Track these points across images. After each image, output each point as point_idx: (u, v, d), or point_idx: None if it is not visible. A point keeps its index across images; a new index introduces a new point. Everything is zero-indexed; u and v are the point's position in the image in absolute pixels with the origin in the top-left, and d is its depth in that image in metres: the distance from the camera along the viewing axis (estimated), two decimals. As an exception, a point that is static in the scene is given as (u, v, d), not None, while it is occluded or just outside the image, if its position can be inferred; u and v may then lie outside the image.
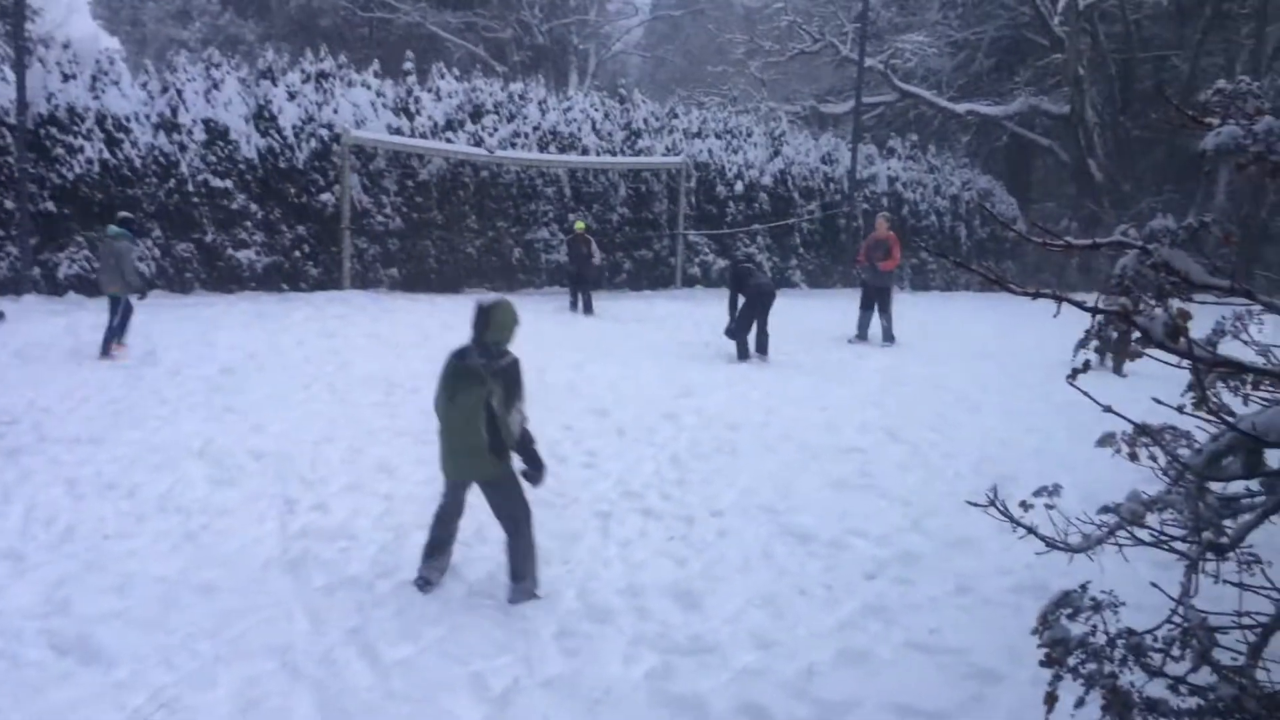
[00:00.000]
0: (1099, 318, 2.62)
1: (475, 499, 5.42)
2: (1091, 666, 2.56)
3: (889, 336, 14.58)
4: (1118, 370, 11.61)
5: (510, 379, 5.12)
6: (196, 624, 4.80)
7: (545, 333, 14.18)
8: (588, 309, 16.68)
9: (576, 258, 16.97)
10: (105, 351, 10.90)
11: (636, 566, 5.77)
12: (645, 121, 21.79)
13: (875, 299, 14.61)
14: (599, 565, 5.78)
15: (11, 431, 7.93)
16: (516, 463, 5.32)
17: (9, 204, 14.74)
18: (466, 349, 5.25)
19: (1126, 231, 2.89)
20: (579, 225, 17.28)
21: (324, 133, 17.32)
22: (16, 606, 4.89)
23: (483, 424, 5.07)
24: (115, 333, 11.06)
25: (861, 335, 14.76)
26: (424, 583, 5.36)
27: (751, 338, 12.69)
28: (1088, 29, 29.89)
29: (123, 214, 11.80)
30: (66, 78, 15.48)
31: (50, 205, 15.03)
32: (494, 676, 4.45)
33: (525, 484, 5.38)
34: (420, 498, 6.79)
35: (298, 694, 4.25)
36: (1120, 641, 2.59)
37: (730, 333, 12.65)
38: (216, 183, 16.38)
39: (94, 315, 13.01)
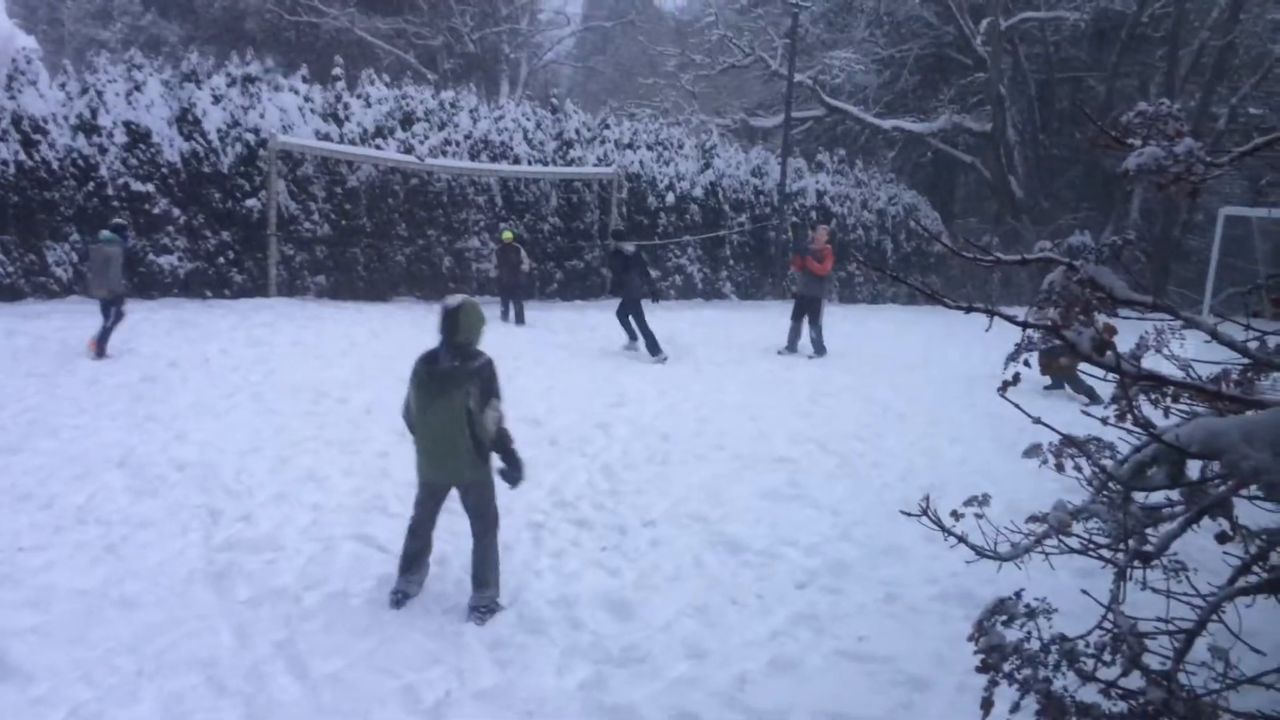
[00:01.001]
0: (1029, 331, 2.69)
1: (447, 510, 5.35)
2: (1027, 672, 2.63)
3: (819, 348, 14.76)
4: (1059, 386, 11.65)
5: (485, 379, 5.12)
6: (118, 638, 4.68)
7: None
8: (519, 319, 16.52)
9: (506, 267, 16.83)
10: (101, 351, 11.21)
11: (569, 577, 5.76)
12: (577, 132, 21.81)
13: (806, 310, 14.78)
14: (531, 576, 5.76)
15: (-80, 441, 7.65)
16: (494, 463, 5.30)
17: (-83, 205, 14.22)
18: (436, 353, 5.18)
19: (1049, 247, 2.97)
20: (506, 235, 17.14)
21: (250, 137, 17.02)
22: (-74, 622, 4.72)
23: (465, 427, 5.05)
24: (107, 332, 11.37)
25: (791, 347, 14.91)
26: (401, 596, 5.30)
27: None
28: (1009, 49, 30.72)
29: (115, 220, 12.36)
30: (-20, 77, 15.00)
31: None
32: (426, 689, 4.41)
33: (501, 484, 5.37)
34: (349, 508, 6.71)
35: (224, 710, 4.16)
36: (1054, 647, 2.66)
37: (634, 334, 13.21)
38: (138, 186, 15.99)
39: (9, 321, 12.64)
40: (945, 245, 2.91)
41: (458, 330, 5.13)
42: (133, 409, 9.06)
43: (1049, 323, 2.59)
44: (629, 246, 14.09)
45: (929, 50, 33.32)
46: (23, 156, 14.98)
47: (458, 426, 5.04)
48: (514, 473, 5.34)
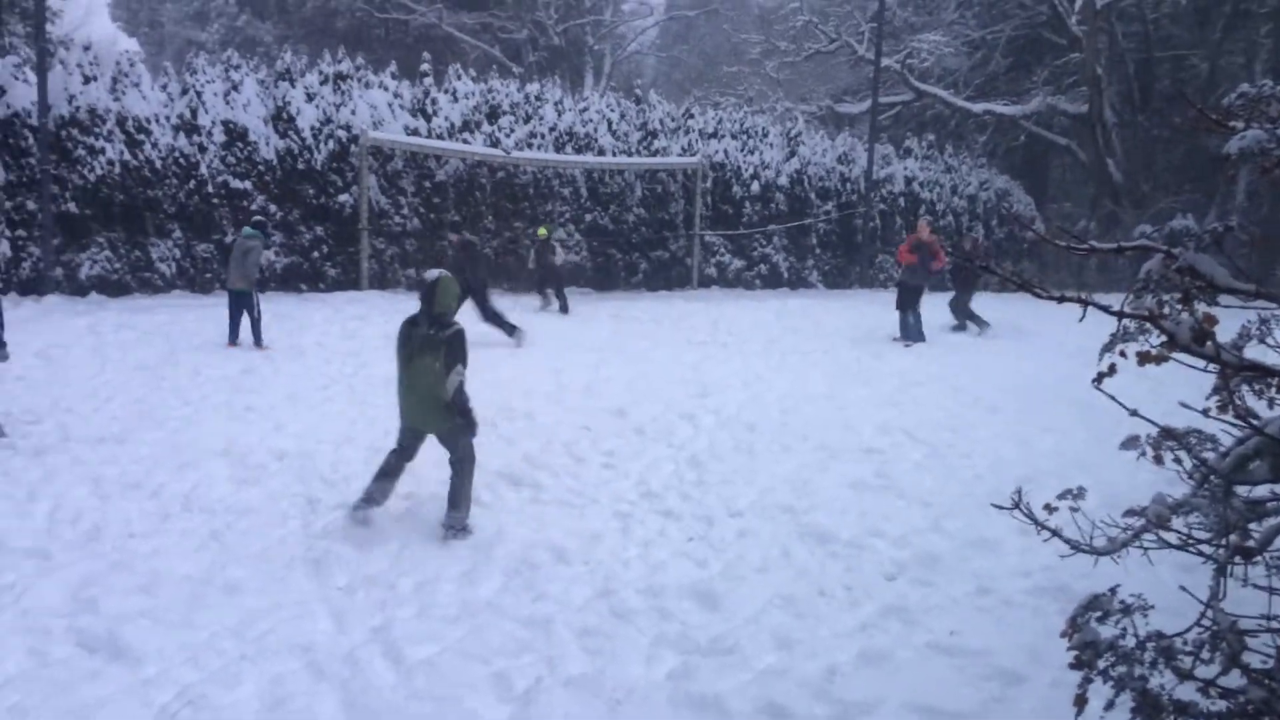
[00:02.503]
0: (1125, 321, 2.63)
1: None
2: (1121, 669, 2.57)
3: (919, 335, 14.60)
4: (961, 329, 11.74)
5: (454, 345, 5.90)
6: (222, 622, 4.85)
7: (561, 333, 14.23)
8: (564, 308, 16.68)
9: (543, 263, 16.97)
10: (258, 342, 12.12)
11: (657, 567, 5.79)
12: (661, 122, 21.81)
13: (910, 299, 14.57)
14: (619, 565, 5.80)
15: (36, 431, 8.01)
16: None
17: (31, 205, 14.87)
18: (417, 318, 6.03)
19: (1148, 233, 2.89)
20: (542, 232, 17.06)
21: (342, 134, 17.42)
22: (45, 605, 4.95)
23: (439, 384, 5.89)
24: (255, 325, 12.11)
25: (906, 335, 14.70)
26: (369, 499, 6.18)
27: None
28: (1105, 28, 29.73)
29: (256, 217, 13.35)
30: (87, 80, 15.60)
31: (72, 206, 15.16)
32: (516, 675, 4.48)
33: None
34: (439, 497, 6.82)
35: (322, 694, 4.28)
36: (1150, 644, 2.60)
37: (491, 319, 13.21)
38: (236, 184, 16.50)
39: (116, 315, 13.13)
40: (1036, 233, 2.85)
41: (435, 301, 5.93)
42: (233, 400, 9.36)
43: (1145, 312, 2.53)
44: (474, 239, 14.23)
45: (1021, 31, 32.46)
46: (127, 156, 15.56)
47: (432, 384, 5.90)
48: (467, 429, 6.11)
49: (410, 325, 6.03)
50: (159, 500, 6.58)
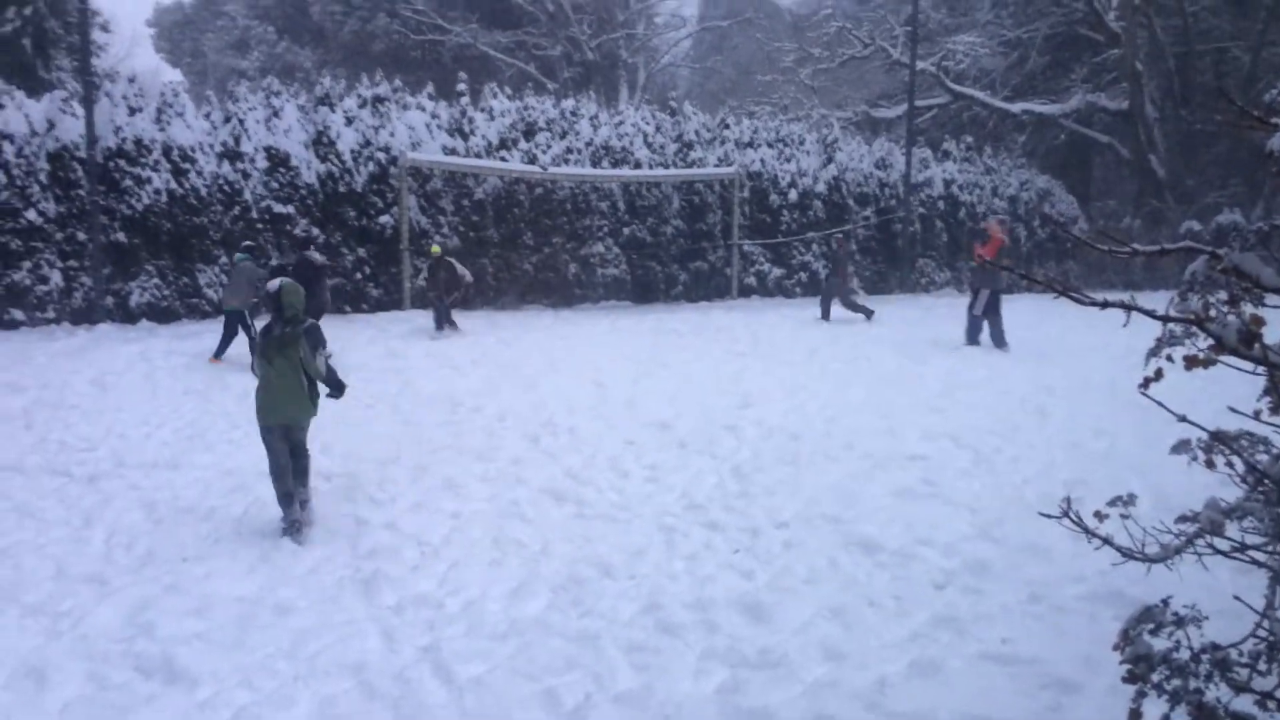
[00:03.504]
0: (1170, 325, 2.59)
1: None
2: (1176, 682, 2.52)
3: (970, 337, 14.46)
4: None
5: (312, 334, 6.61)
6: (275, 643, 4.91)
7: (603, 346, 14.27)
8: (439, 323, 15.25)
9: (437, 283, 15.35)
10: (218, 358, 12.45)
11: (703, 580, 5.78)
12: (697, 133, 21.83)
13: (992, 302, 14.37)
14: (665, 579, 5.79)
15: (91, 458, 8.16)
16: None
17: (81, 235, 15.18)
18: (271, 325, 6.65)
19: (1194, 230, 2.85)
20: (435, 249, 15.66)
21: (381, 156, 17.61)
22: (102, 629, 5.04)
23: (301, 375, 6.54)
24: (251, 342, 12.23)
25: (1000, 343, 14.52)
26: (295, 526, 6.47)
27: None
28: (1144, 23, 29.36)
29: (247, 242, 13.51)
30: (133, 111, 15.90)
31: (121, 236, 15.45)
32: (565, 692, 4.49)
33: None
34: (485, 514, 6.88)
35: (375, 713, 4.32)
36: (1205, 656, 2.55)
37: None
38: (279, 208, 16.73)
39: (166, 342, 13.36)
40: (1073, 235, 2.81)
41: (284, 306, 6.56)
42: (281, 422, 9.46)
43: (1191, 315, 2.49)
44: (318, 256, 13.72)
45: (1058, 29, 32.15)
46: (173, 185, 15.83)
47: (296, 376, 6.53)
48: (338, 391, 6.89)
49: (267, 333, 6.64)
50: (211, 524, 6.68)
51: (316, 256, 13.93)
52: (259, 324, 12.39)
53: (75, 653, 4.79)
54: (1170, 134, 30.87)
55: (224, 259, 16.15)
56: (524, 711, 4.34)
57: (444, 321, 15.39)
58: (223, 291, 13.24)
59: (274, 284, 6.67)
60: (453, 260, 15.60)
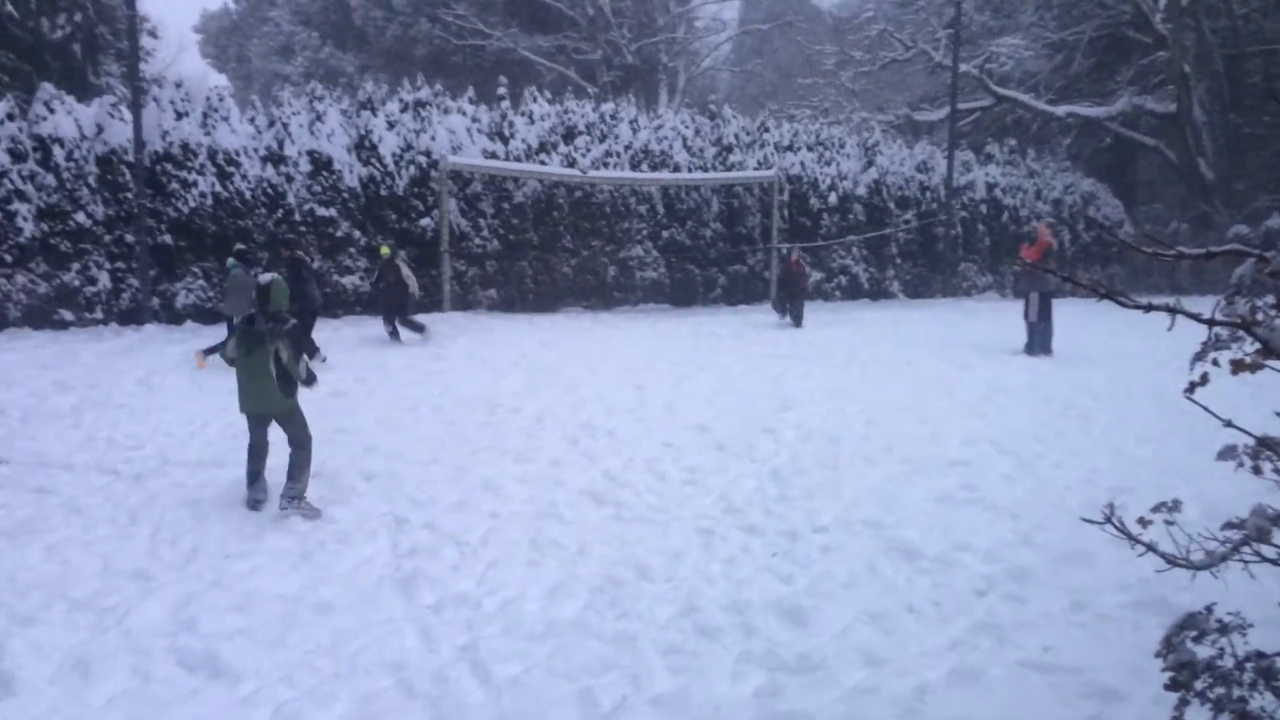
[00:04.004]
0: (1217, 328, 2.55)
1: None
2: (1219, 690, 2.48)
3: (1029, 345, 14.30)
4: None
5: (294, 335, 6.89)
6: (315, 641, 4.96)
7: (641, 349, 14.28)
8: (404, 329, 14.59)
9: (386, 284, 14.61)
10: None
11: (741, 583, 5.76)
12: (736, 136, 21.80)
13: (1044, 306, 14.17)
14: (703, 582, 5.78)
15: (138, 456, 8.29)
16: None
17: (129, 238, 15.45)
18: (254, 317, 6.90)
19: (1243, 234, 2.80)
20: (384, 250, 14.80)
21: (422, 160, 17.76)
22: (146, 625, 5.11)
23: (272, 371, 6.79)
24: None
25: (1045, 349, 14.31)
26: (256, 503, 6.96)
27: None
28: (1192, 24, 28.91)
29: (239, 247, 13.49)
30: (179, 116, 16.16)
31: (167, 238, 15.70)
32: (602, 694, 4.49)
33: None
34: (524, 515, 6.91)
35: (413, 711, 4.35)
36: (1249, 664, 2.51)
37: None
38: (322, 211, 16.92)
39: (210, 342, 13.53)
40: (1117, 239, 2.78)
41: (270, 301, 6.83)
42: (323, 422, 9.53)
43: (1238, 319, 2.44)
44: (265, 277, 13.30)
45: (1104, 31, 31.74)
46: (218, 188, 16.08)
47: (267, 371, 6.79)
48: (310, 384, 7.16)
49: (248, 324, 6.92)
50: (253, 521, 6.76)
51: (405, 270, 14.17)
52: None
53: (120, 647, 4.86)
54: (1219, 137, 30.38)
55: (266, 261, 16.36)
56: (560, 712, 4.34)
57: (408, 324, 14.56)
58: (223, 302, 13.13)
59: (265, 278, 6.98)
60: (400, 264, 14.66)
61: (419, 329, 14.51)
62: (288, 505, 6.78)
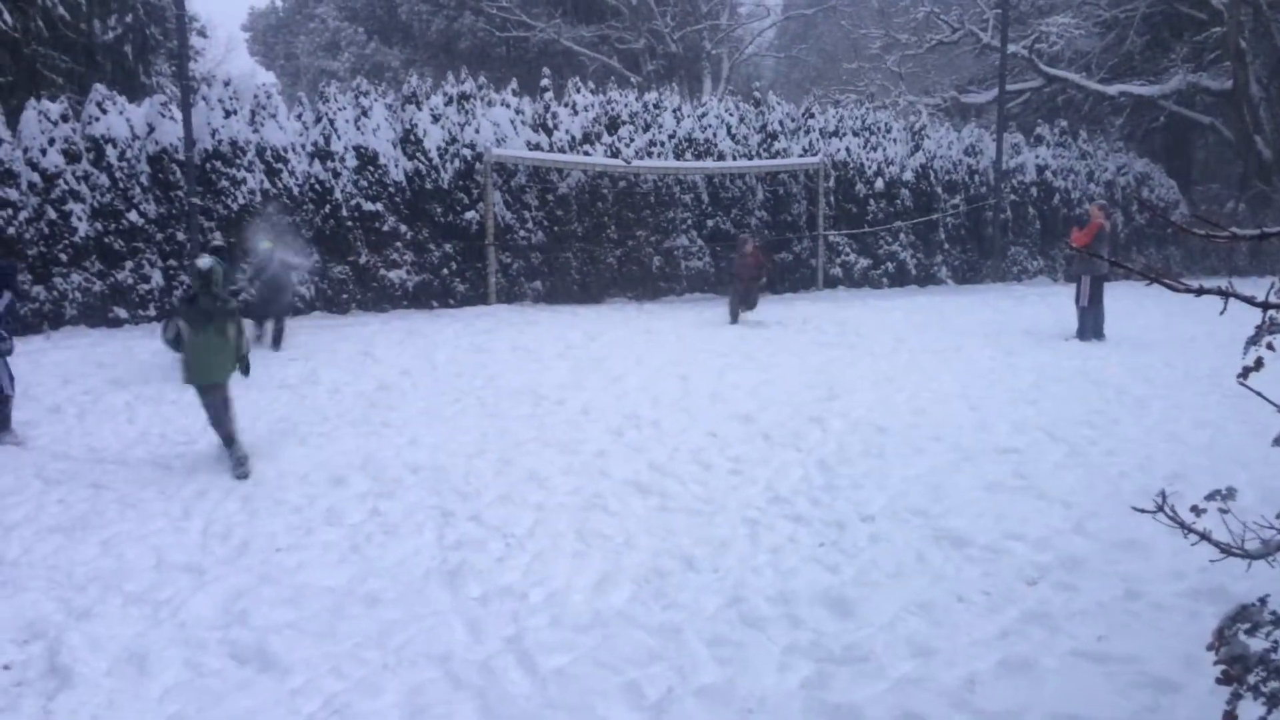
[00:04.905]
0: (1271, 312, 2.47)
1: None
2: (1274, 684, 2.41)
3: (1081, 330, 14.02)
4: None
5: (237, 318, 7.85)
6: (364, 633, 5.00)
7: (686, 339, 14.24)
8: (277, 341, 13.34)
9: (269, 283, 13.22)
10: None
11: (787, 573, 5.72)
12: (781, 123, 21.63)
13: (1095, 290, 13.88)
14: (749, 573, 5.75)
15: (190, 451, 8.43)
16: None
17: (180, 236, 15.69)
18: (196, 297, 7.65)
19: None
20: (265, 244, 13.47)
21: (467, 153, 17.83)
22: (198, 618, 5.19)
23: (227, 344, 7.74)
24: None
25: (1097, 333, 14.01)
26: (246, 473, 7.65)
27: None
28: (1249, -1, 28.16)
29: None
30: (228, 114, 16.35)
31: (217, 236, 15.90)
32: (648, 685, 4.48)
33: None
34: (569, 507, 6.92)
35: (460, 702, 4.37)
36: (1305, 658, 2.44)
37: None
38: (368, 206, 17.06)
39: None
40: (1173, 223, 2.70)
41: (212, 283, 7.62)
42: (370, 416, 9.66)
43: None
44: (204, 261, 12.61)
45: (1157, 7, 31.00)
46: (267, 184, 16.27)
47: (220, 343, 7.68)
48: (246, 369, 8.11)
49: (191, 303, 7.66)
50: (303, 515, 6.83)
51: (290, 258, 13.60)
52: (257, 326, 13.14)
53: (174, 640, 4.94)
54: (1277, 114, 29.58)
55: (315, 256, 16.56)
56: (606, 703, 4.35)
57: (280, 334, 13.36)
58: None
59: (205, 261, 7.69)
60: (284, 258, 13.48)
61: (279, 345, 13.23)
62: (240, 471, 7.65)
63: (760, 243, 17.48)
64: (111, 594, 5.50)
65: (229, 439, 7.88)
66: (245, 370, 8.13)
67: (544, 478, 7.62)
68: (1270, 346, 2.49)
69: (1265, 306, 2.46)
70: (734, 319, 16.18)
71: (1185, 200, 28.14)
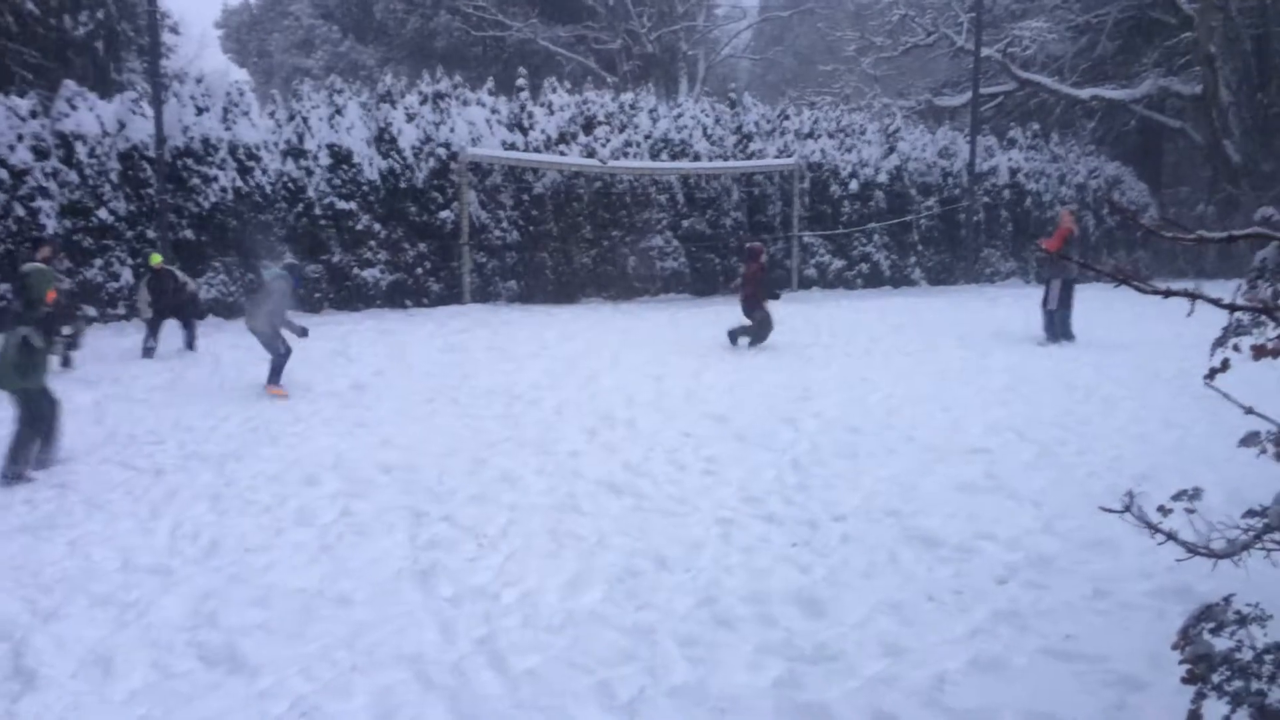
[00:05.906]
0: (1237, 314, 2.49)
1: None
2: (1238, 684, 2.43)
3: (1049, 332, 14.05)
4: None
5: (49, 321, 7.64)
6: (333, 634, 4.96)
7: (661, 339, 14.24)
8: (190, 344, 13.56)
9: (163, 293, 13.22)
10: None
11: (760, 573, 5.72)
12: (756, 124, 21.69)
13: (1065, 293, 13.85)
14: (721, 573, 5.75)
15: (159, 451, 8.34)
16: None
17: (151, 233, 15.54)
18: (10, 304, 7.76)
19: (1270, 217, 2.73)
20: (155, 259, 13.54)
21: (442, 152, 17.77)
22: (166, 619, 5.13)
23: (18, 353, 7.46)
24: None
25: (1065, 335, 14.02)
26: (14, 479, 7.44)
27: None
28: (1219, 4, 28.46)
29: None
30: (200, 111, 16.24)
31: (189, 233, 15.78)
32: (620, 685, 4.47)
33: None
34: (542, 507, 6.89)
35: (431, 703, 4.34)
36: (1269, 657, 2.45)
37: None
38: (342, 205, 16.97)
39: (231, 337, 13.63)
40: (1142, 225, 2.72)
41: (32, 289, 7.54)
42: (343, 415, 9.60)
43: (1259, 304, 2.39)
44: (187, 280, 13.64)
45: (1129, 12, 31.33)
46: (239, 182, 16.15)
47: (13, 354, 7.45)
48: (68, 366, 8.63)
49: (4, 311, 7.72)
50: (273, 515, 6.78)
51: (181, 274, 13.44)
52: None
53: (141, 642, 4.88)
54: (1246, 119, 29.94)
55: (288, 255, 16.43)
56: (578, 704, 4.33)
57: (193, 337, 13.60)
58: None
59: (27, 267, 7.83)
60: (174, 270, 13.65)
61: (193, 346, 13.52)
62: (5, 480, 7.43)
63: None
64: (78, 595, 5.43)
65: (16, 458, 7.55)
66: (31, 381, 7.66)
67: (517, 478, 7.59)
68: (1236, 348, 2.51)
69: (1232, 309, 2.48)
70: (758, 341, 13.80)
71: (1155, 203, 28.42)
